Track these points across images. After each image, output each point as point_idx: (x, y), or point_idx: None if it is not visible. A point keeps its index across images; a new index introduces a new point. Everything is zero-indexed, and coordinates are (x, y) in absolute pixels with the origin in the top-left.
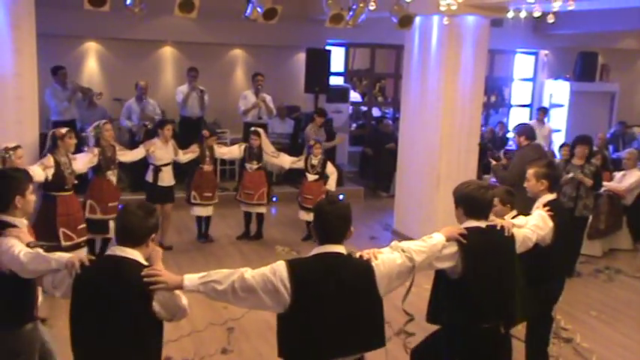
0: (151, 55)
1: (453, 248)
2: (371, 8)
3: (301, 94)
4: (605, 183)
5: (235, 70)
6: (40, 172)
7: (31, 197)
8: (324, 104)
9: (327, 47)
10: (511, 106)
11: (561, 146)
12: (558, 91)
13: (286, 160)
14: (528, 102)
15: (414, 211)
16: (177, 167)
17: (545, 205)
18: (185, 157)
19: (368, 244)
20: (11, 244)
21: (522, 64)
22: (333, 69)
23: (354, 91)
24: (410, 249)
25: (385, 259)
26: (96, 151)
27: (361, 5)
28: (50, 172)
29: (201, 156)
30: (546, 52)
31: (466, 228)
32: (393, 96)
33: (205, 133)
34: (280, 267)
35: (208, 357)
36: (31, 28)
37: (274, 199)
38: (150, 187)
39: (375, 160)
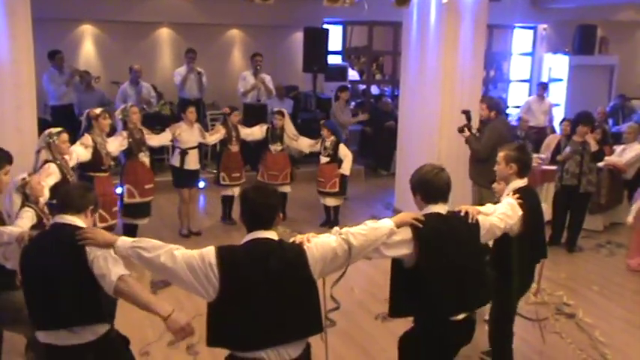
0: (148, 37)
1: (407, 235)
2: None
3: (299, 73)
4: (605, 157)
5: (233, 50)
6: (83, 151)
7: (5, 178)
8: (323, 83)
9: (325, 26)
10: (510, 81)
11: (562, 121)
12: (557, 65)
13: (305, 144)
14: (527, 77)
15: None
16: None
17: (515, 193)
18: (212, 138)
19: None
20: None
21: (521, 39)
22: (330, 48)
23: (352, 69)
24: (347, 232)
25: (319, 242)
26: (125, 134)
27: None
28: (89, 151)
29: (227, 136)
30: (545, 26)
31: (424, 214)
32: (391, 73)
33: (226, 110)
34: (210, 253)
35: None
36: (26, 13)
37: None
38: (176, 171)
39: (375, 138)
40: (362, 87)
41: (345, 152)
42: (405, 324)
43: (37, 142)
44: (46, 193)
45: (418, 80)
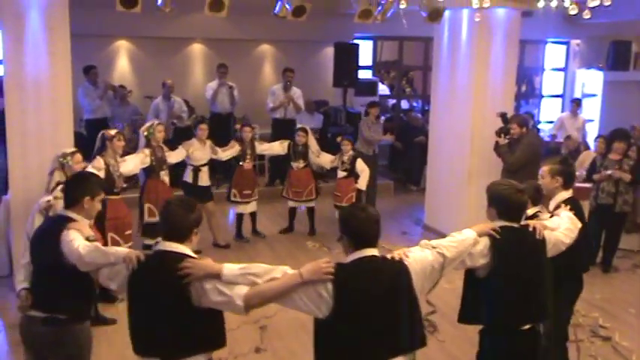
0: (181, 52)
1: (486, 245)
2: (401, 6)
3: (329, 88)
4: None
5: (264, 65)
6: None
7: (98, 205)
8: (353, 98)
9: (355, 41)
10: (542, 96)
11: (597, 138)
12: (590, 81)
13: (326, 160)
14: (560, 92)
15: (445, 206)
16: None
17: (566, 204)
18: (225, 154)
19: (399, 238)
20: (72, 237)
21: (553, 54)
22: (361, 62)
23: (382, 83)
24: (440, 245)
25: (417, 257)
26: (147, 151)
27: (390, 0)
28: (101, 175)
29: (242, 153)
30: (578, 41)
31: (499, 226)
32: (421, 88)
33: (241, 128)
34: None
35: (242, 356)
36: (65, 30)
37: None
38: (189, 188)
39: (405, 153)
40: (392, 102)
41: (362, 167)
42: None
43: (50, 163)
44: None
45: (449, 96)
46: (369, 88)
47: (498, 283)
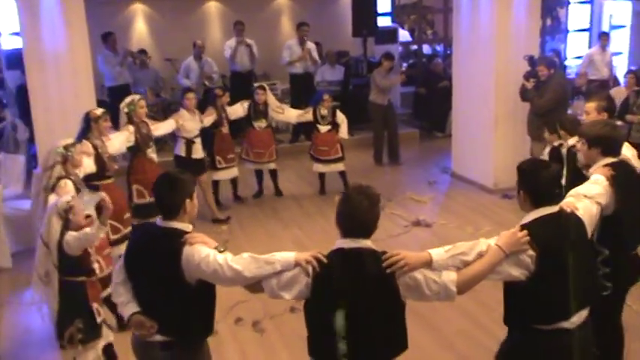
0: (197, 12)
1: (605, 184)
2: None
3: (349, 38)
4: None
5: (281, 19)
6: (89, 162)
7: (196, 201)
8: (373, 47)
9: None
10: (568, 31)
11: (627, 73)
12: (619, 12)
13: (292, 115)
14: (587, 26)
15: (472, 153)
16: None
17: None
18: (207, 120)
19: (428, 189)
20: (206, 252)
21: None
22: (379, 9)
23: (403, 28)
24: (591, 194)
25: (584, 208)
26: (131, 128)
27: None
28: (91, 160)
29: (218, 119)
30: None
31: (609, 163)
32: (443, 31)
33: (218, 92)
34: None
35: (278, 316)
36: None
37: None
38: (183, 161)
39: (429, 100)
40: (414, 47)
41: (341, 117)
42: (469, 294)
43: (47, 158)
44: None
45: (471, 37)
46: (390, 35)
47: (625, 215)
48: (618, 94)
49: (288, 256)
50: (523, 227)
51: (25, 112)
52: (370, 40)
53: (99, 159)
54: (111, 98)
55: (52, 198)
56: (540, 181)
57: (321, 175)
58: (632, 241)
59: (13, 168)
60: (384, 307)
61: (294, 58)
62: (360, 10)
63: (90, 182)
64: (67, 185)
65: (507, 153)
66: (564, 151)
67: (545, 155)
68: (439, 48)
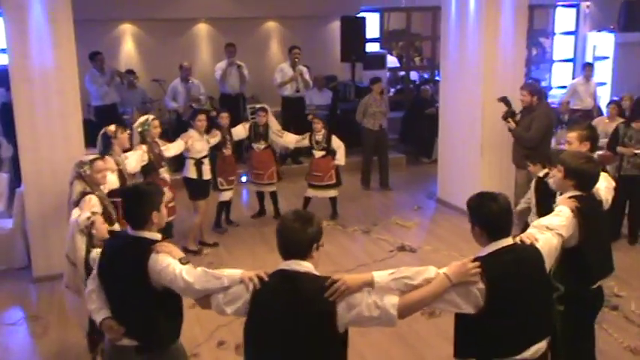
0: (186, 34)
1: (569, 215)
2: None
3: (337, 63)
4: None
5: (270, 43)
6: (114, 179)
7: (164, 211)
8: (361, 72)
9: (362, 14)
10: (553, 61)
11: (609, 103)
12: (602, 44)
13: (291, 140)
14: (571, 56)
15: (458, 179)
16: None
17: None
18: (212, 140)
19: (413, 214)
20: (167, 262)
21: (563, 17)
22: (368, 35)
23: (391, 54)
24: (554, 225)
25: (545, 240)
26: (144, 147)
27: None
28: (115, 176)
29: (222, 140)
30: (588, 3)
31: (574, 196)
32: (430, 58)
33: (214, 113)
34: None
35: None
36: (68, 19)
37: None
38: (193, 183)
39: (416, 125)
40: (401, 73)
41: (338, 143)
42: (451, 319)
43: (70, 173)
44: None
45: (458, 66)
46: (378, 61)
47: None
48: (600, 123)
49: (235, 272)
50: (476, 259)
51: (9, 130)
52: (358, 65)
53: (122, 175)
54: (97, 118)
55: (75, 213)
56: (490, 215)
57: (306, 199)
58: (597, 273)
59: None
60: (319, 333)
61: (285, 80)
62: (348, 35)
63: (113, 198)
64: (92, 200)
65: (493, 180)
66: (551, 181)
67: (531, 188)
68: (427, 75)
